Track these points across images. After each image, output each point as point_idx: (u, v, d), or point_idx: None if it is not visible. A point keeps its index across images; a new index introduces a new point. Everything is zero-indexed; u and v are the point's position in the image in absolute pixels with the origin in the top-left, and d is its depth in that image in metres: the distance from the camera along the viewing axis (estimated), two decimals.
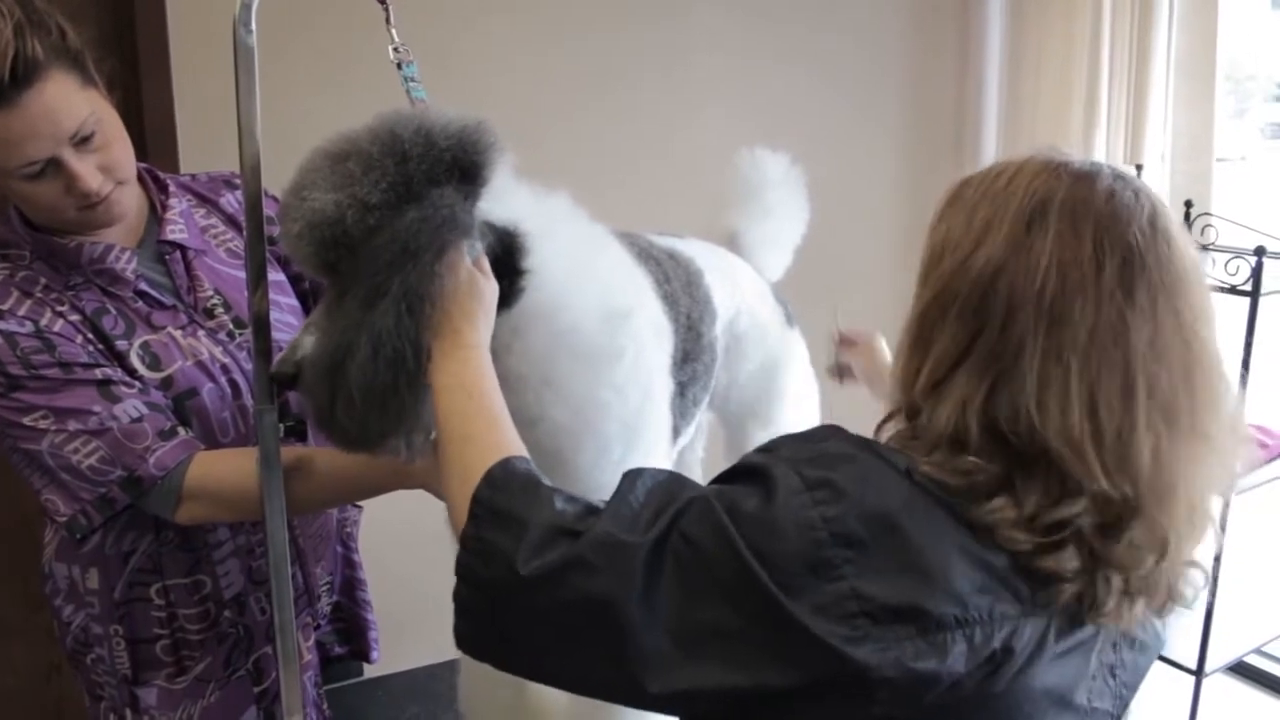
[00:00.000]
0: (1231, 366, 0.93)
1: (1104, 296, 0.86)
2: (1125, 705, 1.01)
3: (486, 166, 1.11)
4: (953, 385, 0.90)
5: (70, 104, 1.20)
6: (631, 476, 0.94)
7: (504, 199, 1.15)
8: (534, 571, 0.86)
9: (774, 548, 0.83)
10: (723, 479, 0.93)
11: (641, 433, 1.26)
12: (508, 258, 1.14)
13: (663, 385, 1.32)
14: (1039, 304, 0.87)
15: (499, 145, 1.13)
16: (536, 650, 0.91)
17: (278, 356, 1.12)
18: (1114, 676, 0.97)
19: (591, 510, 0.91)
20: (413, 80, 1.20)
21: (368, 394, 1.02)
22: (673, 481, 0.94)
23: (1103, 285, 0.86)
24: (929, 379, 0.92)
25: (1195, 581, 0.95)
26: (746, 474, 0.90)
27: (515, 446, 0.99)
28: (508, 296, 1.14)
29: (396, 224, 1.04)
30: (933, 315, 0.93)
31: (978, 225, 0.91)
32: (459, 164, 1.10)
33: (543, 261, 1.15)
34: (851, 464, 0.88)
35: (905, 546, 0.84)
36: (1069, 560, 0.87)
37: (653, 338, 1.30)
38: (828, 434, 0.93)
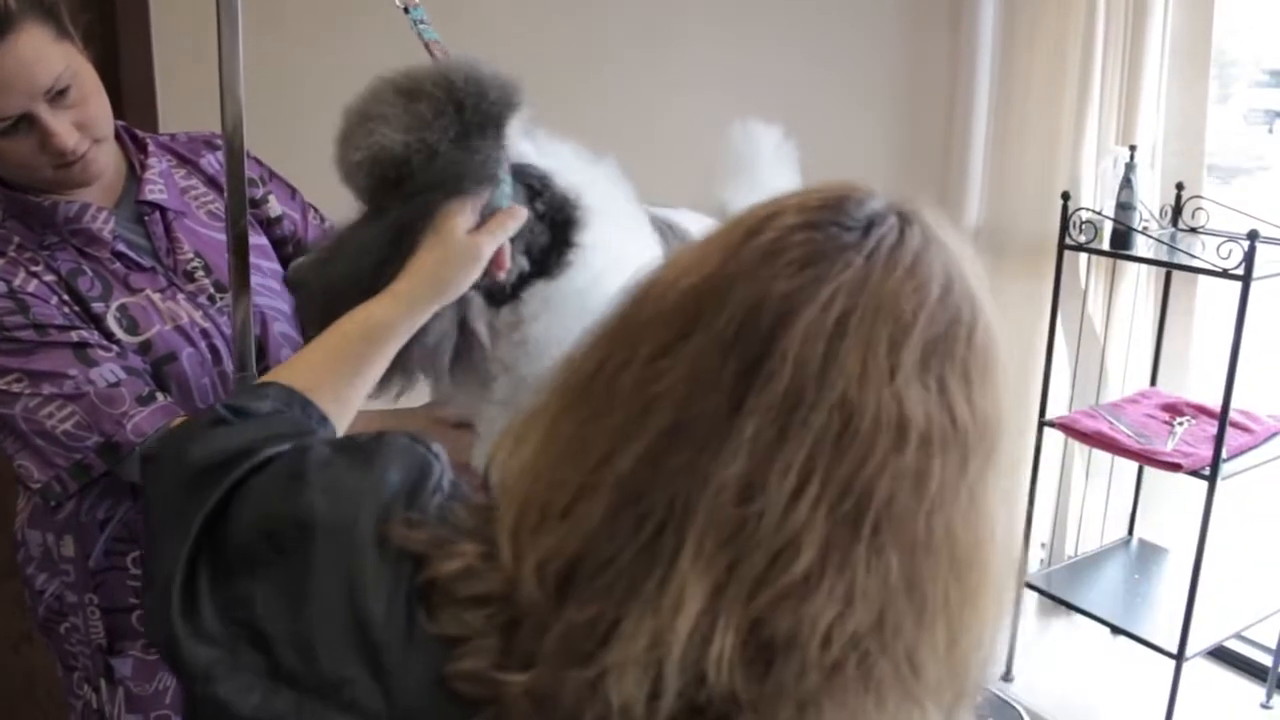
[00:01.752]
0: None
1: (649, 325, 0.64)
2: None
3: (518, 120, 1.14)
4: None
5: (44, 57, 1.16)
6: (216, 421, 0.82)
7: (555, 158, 1.16)
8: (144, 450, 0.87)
9: (238, 514, 0.72)
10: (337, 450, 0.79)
11: None
12: (562, 227, 1.15)
13: None
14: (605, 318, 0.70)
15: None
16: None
17: (297, 261, 1.13)
18: None
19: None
20: (422, 22, 1.16)
21: (327, 303, 1.05)
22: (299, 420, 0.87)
23: (659, 310, 0.65)
24: None
25: None
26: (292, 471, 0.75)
27: (304, 383, 0.93)
28: (550, 266, 1.15)
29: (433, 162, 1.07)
30: None
31: None
32: (500, 118, 1.11)
33: (593, 241, 1.16)
34: (348, 475, 0.72)
35: (309, 583, 0.67)
36: (482, 655, 0.63)
37: None
38: (384, 439, 0.76)
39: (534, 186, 1.14)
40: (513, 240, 1.11)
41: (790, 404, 0.58)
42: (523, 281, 1.15)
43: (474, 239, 1.07)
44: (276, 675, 0.66)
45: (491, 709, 0.61)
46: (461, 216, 1.07)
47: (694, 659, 0.57)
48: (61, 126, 1.19)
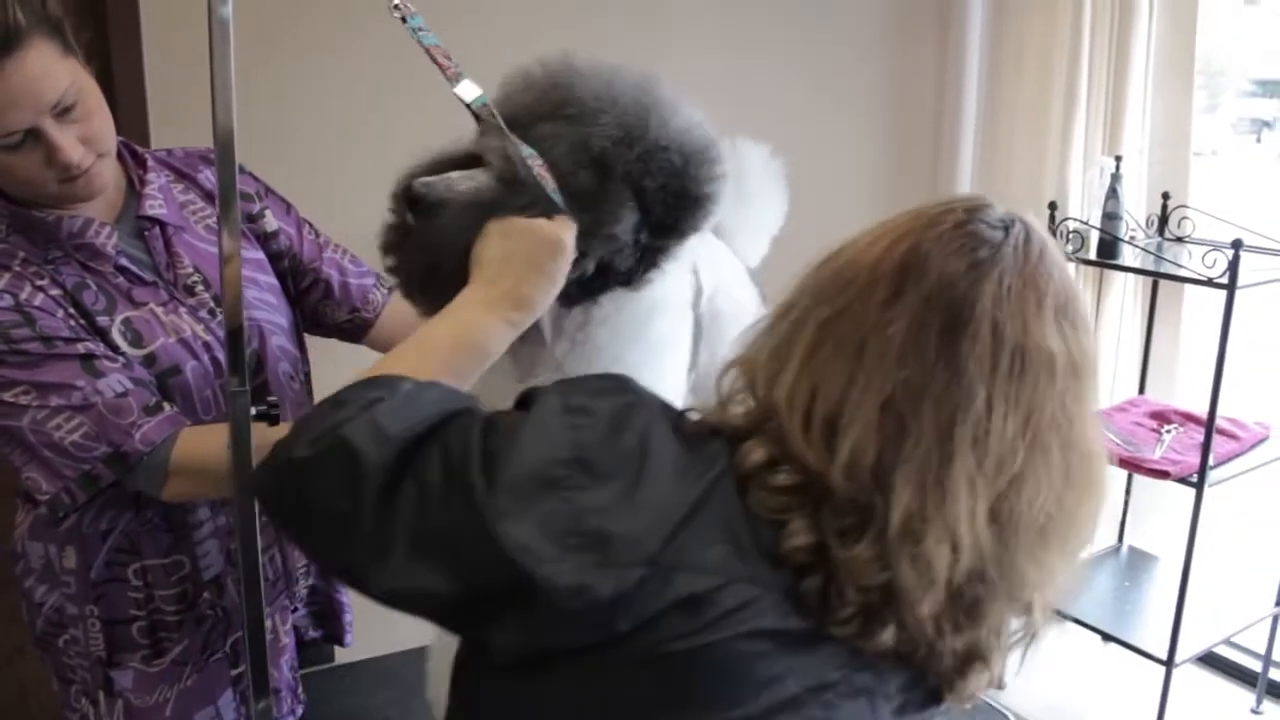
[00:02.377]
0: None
1: (870, 287, 0.86)
2: None
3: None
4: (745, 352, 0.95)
5: (52, 73, 1.18)
6: (421, 387, 0.94)
7: None
8: (301, 456, 0.88)
9: (507, 457, 0.84)
10: (514, 406, 0.94)
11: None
12: (663, 243, 1.18)
13: (685, 371, 1.35)
14: (819, 283, 0.90)
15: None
16: (303, 530, 0.93)
17: (424, 178, 1.13)
18: (872, 705, 0.88)
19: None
20: (421, 29, 1.15)
21: (422, 257, 1.13)
22: (461, 399, 0.95)
23: (876, 275, 0.86)
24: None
25: (977, 681, 0.90)
26: (522, 400, 0.93)
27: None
28: (635, 277, 1.18)
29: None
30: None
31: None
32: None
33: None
34: (617, 400, 0.89)
35: (648, 489, 0.83)
36: (798, 536, 0.84)
37: (686, 328, 1.33)
38: (615, 378, 0.94)
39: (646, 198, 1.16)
40: (613, 244, 1.14)
41: (993, 352, 0.83)
42: (605, 285, 1.17)
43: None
44: (618, 561, 0.81)
45: (820, 573, 0.83)
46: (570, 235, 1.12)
47: (967, 528, 0.83)
48: (67, 141, 1.20)
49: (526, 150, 1.13)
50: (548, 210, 1.12)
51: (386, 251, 1.21)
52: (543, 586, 0.80)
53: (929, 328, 0.83)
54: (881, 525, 0.82)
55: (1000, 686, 0.94)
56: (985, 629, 0.88)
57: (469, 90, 1.15)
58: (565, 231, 1.11)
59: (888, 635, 0.85)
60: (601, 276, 1.16)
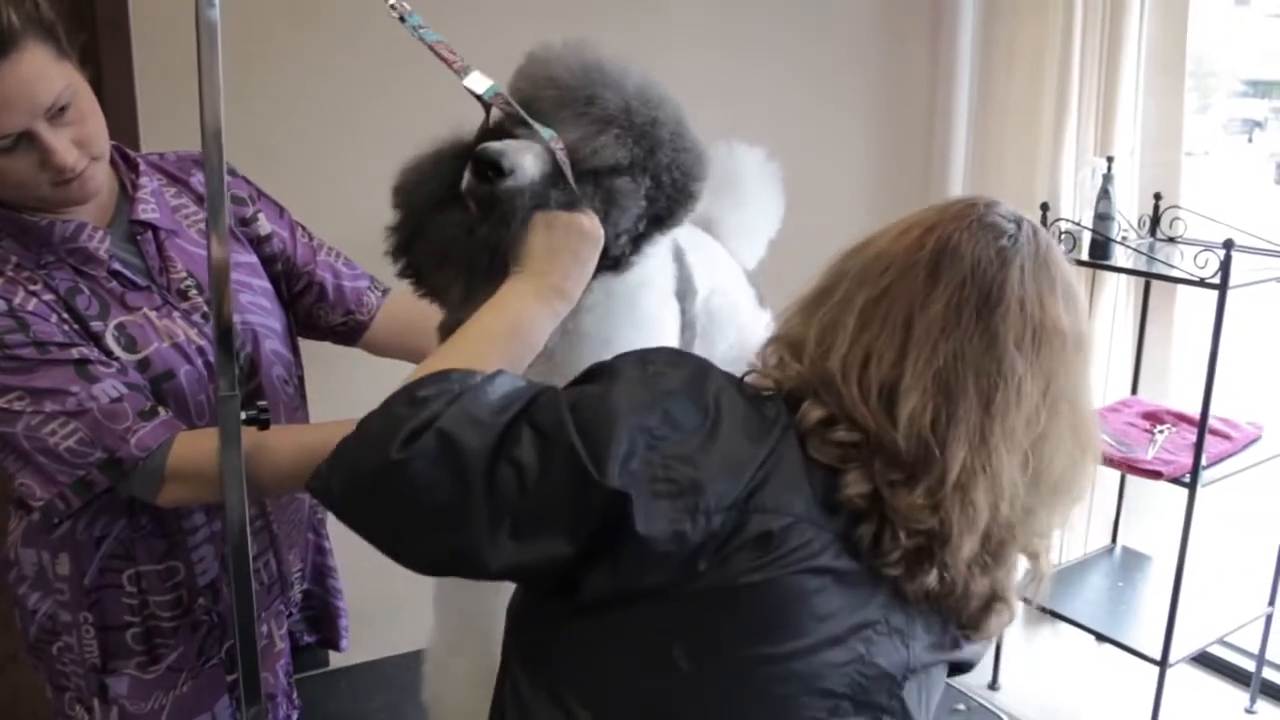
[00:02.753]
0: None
1: (910, 269, 0.98)
2: (904, 701, 1.01)
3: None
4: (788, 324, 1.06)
5: (46, 75, 1.17)
6: (491, 375, 0.99)
7: None
8: (401, 457, 0.91)
9: (599, 418, 0.92)
10: (580, 380, 1.02)
11: None
12: (653, 223, 1.21)
13: (671, 345, 1.34)
14: (861, 269, 1.01)
15: None
16: (396, 528, 0.95)
17: (500, 144, 1.12)
18: (905, 645, 1.00)
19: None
20: (422, 27, 1.14)
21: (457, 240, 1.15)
22: (538, 384, 1.00)
23: (915, 262, 0.98)
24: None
25: (1000, 619, 1.04)
26: (595, 373, 1.00)
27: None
28: (622, 260, 1.20)
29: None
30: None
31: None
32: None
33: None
34: (689, 368, 0.99)
35: (724, 443, 0.94)
36: (855, 484, 0.95)
37: (672, 311, 1.34)
38: (679, 352, 1.05)
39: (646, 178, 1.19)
40: (620, 230, 1.17)
41: (1021, 327, 0.97)
42: (596, 271, 1.17)
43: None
44: (706, 508, 0.91)
45: (873, 519, 0.95)
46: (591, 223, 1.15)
47: (1008, 481, 0.97)
48: (61, 144, 1.20)
49: (548, 133, 1.13)
50: (573, 200, 1.13)
51: (403, 248, 1.21)
52: (640, 532, 0.89)
53: (966, 305, 0.96)
54: (939, 478, 0.94)
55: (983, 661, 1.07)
56: (1005, 570, 1.02)
57: (479, 82, 1.15)
58: (599, 225, 1.14)
59: (931, 578, 0.96)
60: (599, 261, 1.17)
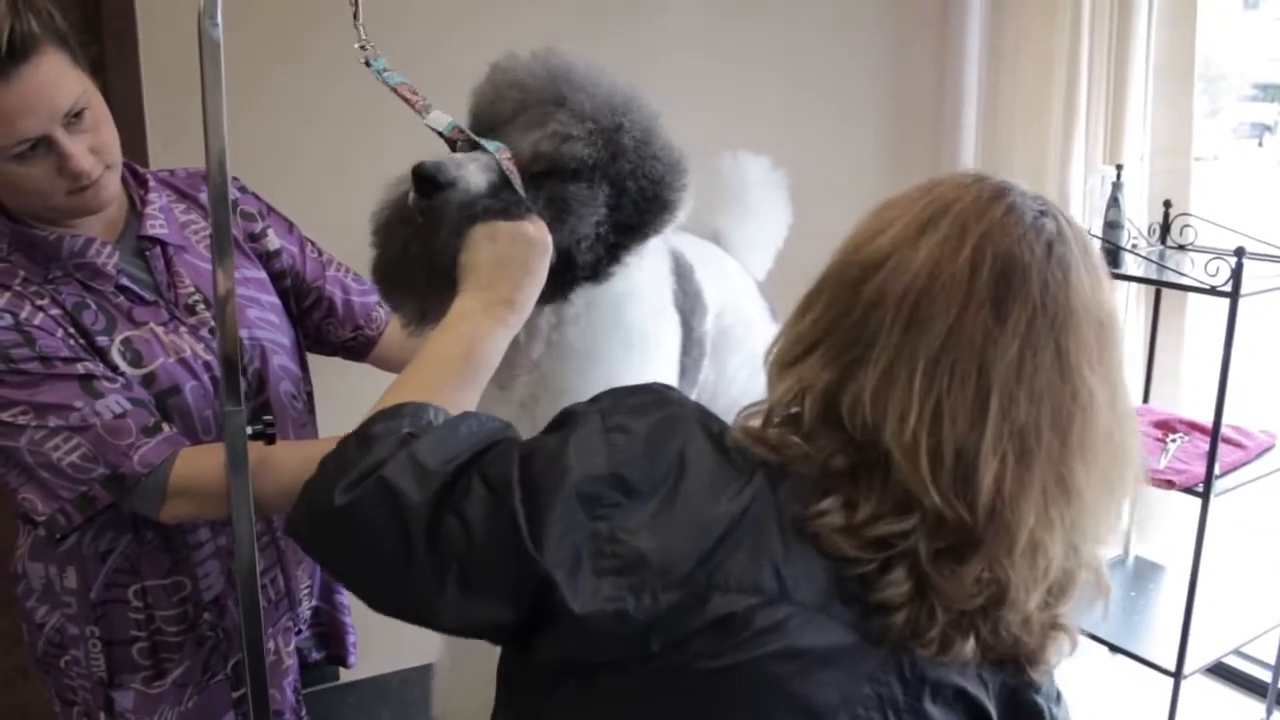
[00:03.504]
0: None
1: (972, 304, 0.84)
2: None
3: None
4: (802, 366, 0.90)
5: (64, 81, 1.19)
6: (449, 419, 0.95)
7: None
8: (344, 502, 0.87)
9: (548, 481, 0.85)
10: (547, 429, 0.94)
11: None
12: (626, 233, 1.19)
13: (675, 375, 1.34)
14: (903, 300, 0.85)
15: None
16: (354, 574, 0.92)
17: (438, 158, 1.12)
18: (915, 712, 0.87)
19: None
20: (386, 70, 1.19)
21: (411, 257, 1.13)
22: (498, 428, 0.95)
23: (973, 292, 0.84)
24: (781, 355, 0.93)
25: (1062, 648, 0.92)
26: (560, 421, 0.93)
27: (453, 405, 1.01)
28: (601, 271, 1.18)
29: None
30: (809, 297, 0.93)
31: (881, 223, 0.90)
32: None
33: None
34: (657, 415, 0.89)
35: (682, 507, 0.84)
36: (899, 584, 0.83)
37: (671, 328, 1.33)
38: (653, 388, 0.94)
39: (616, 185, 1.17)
40: (579, 237, 1.15)
41: (1092, 342, 0.86)
42: (572, 280, 1.17)
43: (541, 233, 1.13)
44: (652, 585, 0.82)
45: (910, 607, 0.83)
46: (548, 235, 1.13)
47: (1088, 514, 0.87)
48: (78, 149, 1.21)
49: (494, 145, 1.14)
50: (519, 209, 1.12)
51: (388, 269, 1.20)
52: (575, 612, 0.82)
53: (1043, 339, 0.84)
54: (1007, 545, 0.84)
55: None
56: (1067, 602, 0.91)
57: (439, 119, 1.19)
58: (546, 232, 1.12)
59: (967, 648, 0.85)
60: (568, 270, 1.16)
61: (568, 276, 1.17)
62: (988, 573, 0.84)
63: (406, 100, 1.18)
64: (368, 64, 1.19)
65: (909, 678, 0.86)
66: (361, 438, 0.93)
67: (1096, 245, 0.91)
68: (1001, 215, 0.86)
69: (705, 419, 0.91)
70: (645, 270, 1.23)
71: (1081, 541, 0.88)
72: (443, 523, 0.86)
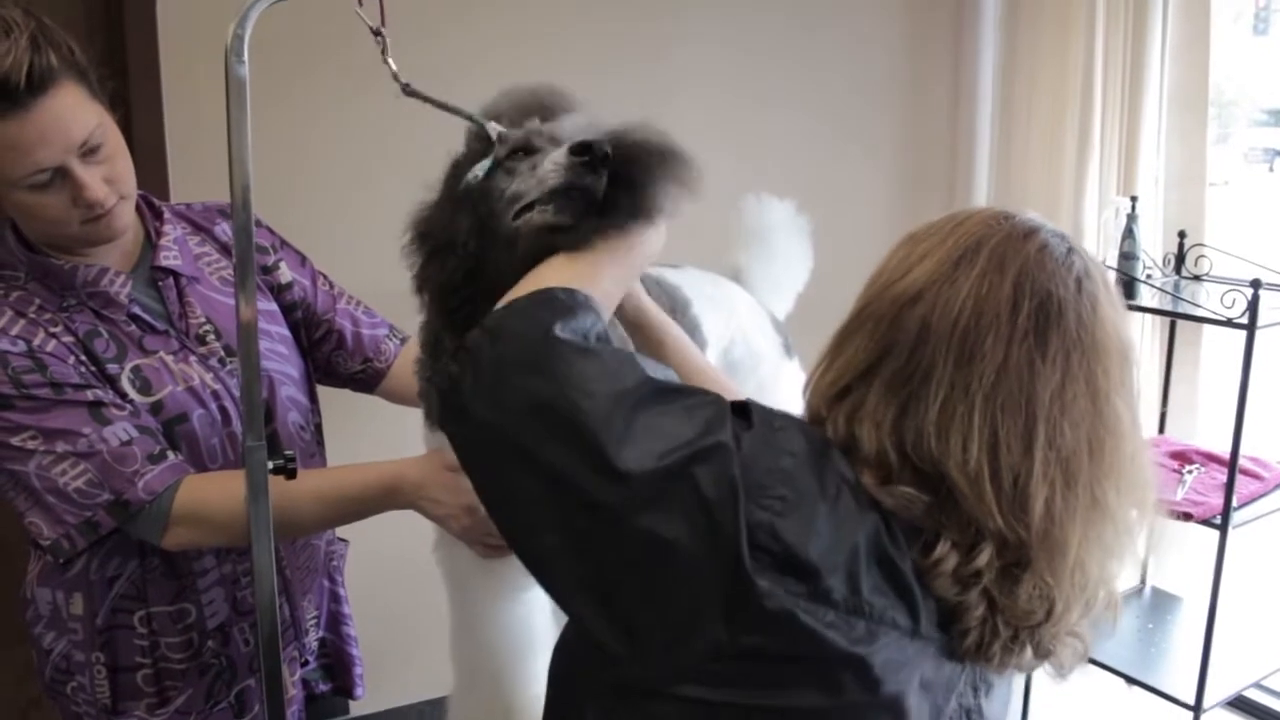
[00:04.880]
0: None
1: (1016, 337, 0.88)
2: None
3: None
4: (864, 402, 0.92)
5: (80, 113, 1.22)
6: (697, 392, 0.93)
7: None
8: (565, 337, 0.90)
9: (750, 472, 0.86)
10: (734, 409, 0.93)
11: None
12: None
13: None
14: (951, 334, 0.89)
15: None
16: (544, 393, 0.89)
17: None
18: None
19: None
20: (430, 96, 1.16)
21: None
22: (718, 413, 0.92)
23: (1017, 326, 0.88)
24: (831, 385, 0.95)
25: (1077, 651, 0.98)
26: (752, 414, 0.93)
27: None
28: None
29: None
30: (850, 328, 0.96)
31: (914, 257, 0.94)
32: None
33: None
34: (812, 438, 0.92)
35: (832, 518, 0.87)
36: (974, 608, 0.89)
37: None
38: (790, 416, 0.96)
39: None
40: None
41: (1118, 369, 0.91)
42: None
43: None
44: (816, 597, 0.85)
45: (981, 627, 0.89)
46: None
47: (1123, 531, 0.93)
48: (93, 180, 1.23)
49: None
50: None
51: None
52: (760, 593, 0.84)
53: (1080, 370, 0.89)
54: (1059, 562, 0.89)
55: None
56: (1088, 610, 0.96)
57: (495, 128, 1.17)
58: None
59: (1026, 655, 0.93)
60: None
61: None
62: (1039, 590, 0.89)
63: (459, 112, 1.17)
64: (407, 90, 1.15)
65: (978, 684, 0.97)
66: (553, 302, 0.94)
67: (1113, 277, 0.94)
68: (1036, 252, 0.91)
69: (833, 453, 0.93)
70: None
71: (1108, 559, 0.93)
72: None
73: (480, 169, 1.15)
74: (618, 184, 1.06)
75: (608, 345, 0.95)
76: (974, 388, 0.88)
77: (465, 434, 0.93)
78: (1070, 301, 0.89)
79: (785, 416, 0.93)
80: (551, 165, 1.07)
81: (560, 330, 0.90)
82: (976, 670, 0.95)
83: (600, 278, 1.03)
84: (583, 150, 1.05)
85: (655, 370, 0.94)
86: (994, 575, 0.89)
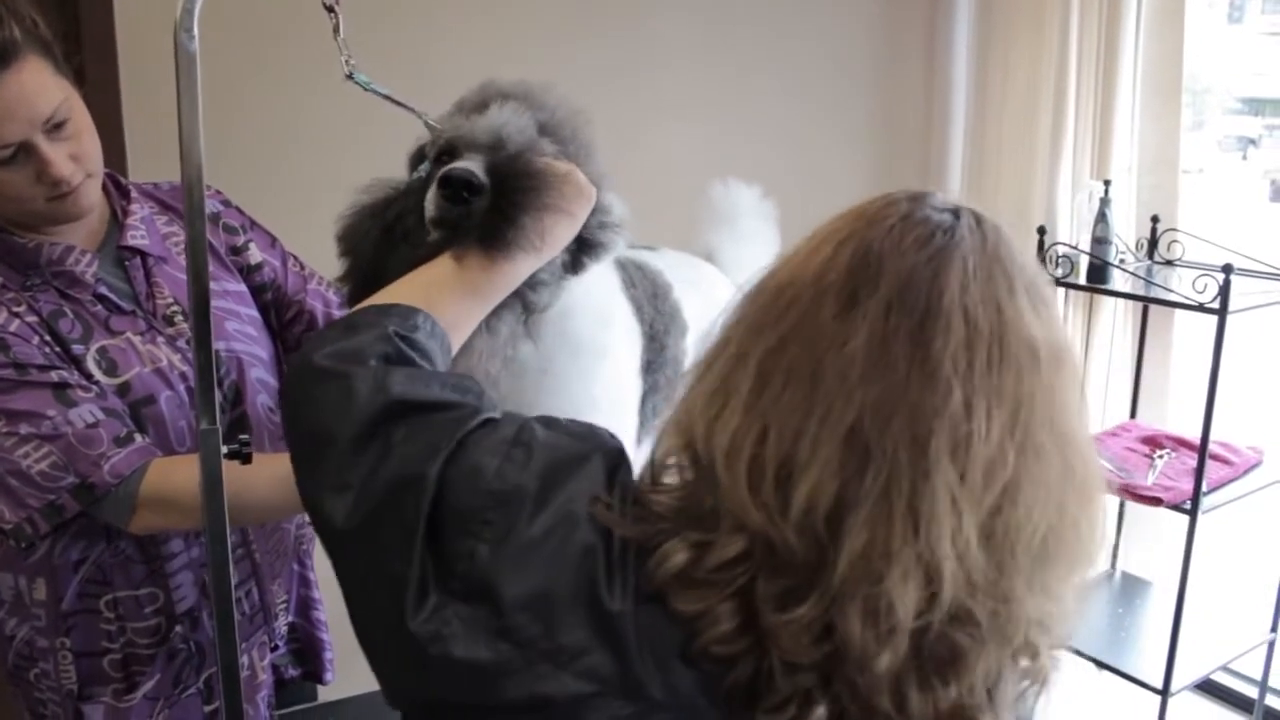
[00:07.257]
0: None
1: (819, 297, 0.74)
2: None
3: None
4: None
5: (45, 88, 1.19)
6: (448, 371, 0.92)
7: None
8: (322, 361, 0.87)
9: (457, 476, 0.80)
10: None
11: (615, 427, 1.26)
12: (588, 249, 1.20)
13: (634, 386, 1.33)
14: (752, 300, 0.79)
15: None
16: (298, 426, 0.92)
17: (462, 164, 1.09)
18: None
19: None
20: (371, 84, 1.19)
21: None
22: (468, 388, 0.89)
23: (825, 288, 0.74)
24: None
25: None
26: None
27: (453, 315, 1.02)
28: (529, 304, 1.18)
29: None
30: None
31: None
32: None
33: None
34: (568, 450, 0.81)
35: (543, 549, 0.76)
36: (721, 622, 0.73)
37: (626, 339, 1.32)
38: (591, 427, 0.87)
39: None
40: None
41: (969, 345, 0.72)
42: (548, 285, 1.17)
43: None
44: (503, 633, 0.75)
45: (750, 659, 0.73)
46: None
47: (950, 553, 0.70)
48: (58, 156, 1.21)
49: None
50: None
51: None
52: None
53: (896, 334, 0.72)
54: (829, 577, 0.71)
55: None
56: (970, 683, 0.74)
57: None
58: (590, 185, 1.14)
59: (819, 712, 0.73)
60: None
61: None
62: (819, 613, 0.71)
63: (402, 105, 1.19)
64: (350, 76, 1.18)
65: None
66: (348, 324, 0.93)
67: (1031, 266, 0.78)
68: (879, 213, 0.78)
69: (609, 480, 0.81)
70: (584, 285, 1.23)
71: (964, 596, 0.71)
72: (373, 440, 0.83)
73: (424, 169, 1.17)
74: (493, 211, 1.07)
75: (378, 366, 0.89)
76: (752, 357, 0.75)
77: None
78: (909, 267, 0.74)
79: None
80: (430, 195, 1.09)
81: (320, 358, 0.88)
82: None
83: (448, 300, 1.03)
84: (445, 183, 1.07)
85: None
86: (763, 591, 0.72)
